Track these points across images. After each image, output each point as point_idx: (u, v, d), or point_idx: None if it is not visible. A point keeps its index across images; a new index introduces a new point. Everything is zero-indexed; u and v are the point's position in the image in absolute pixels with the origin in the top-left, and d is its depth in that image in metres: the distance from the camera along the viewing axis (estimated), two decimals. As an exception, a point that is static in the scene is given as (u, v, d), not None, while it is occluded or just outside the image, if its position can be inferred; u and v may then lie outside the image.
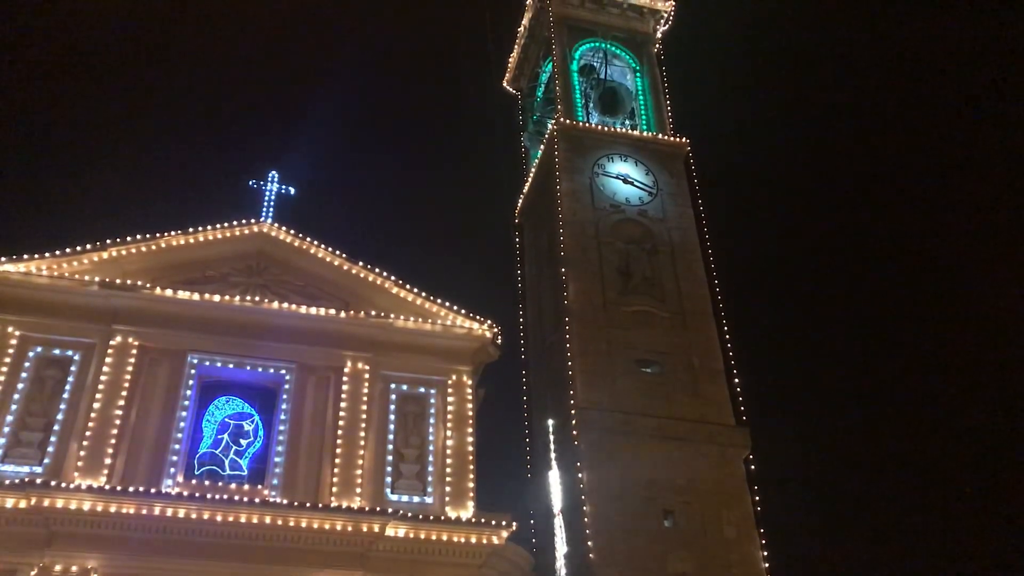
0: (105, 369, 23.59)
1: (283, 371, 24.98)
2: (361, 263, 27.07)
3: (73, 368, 23.80)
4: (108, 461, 22.31)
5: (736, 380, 31.62)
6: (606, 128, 38.66)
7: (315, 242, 27.12)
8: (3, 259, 24.16)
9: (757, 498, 28.92)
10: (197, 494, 22.06)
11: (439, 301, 26.74)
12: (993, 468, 54.53)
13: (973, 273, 67.86)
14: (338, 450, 23.90)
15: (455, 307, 26.65)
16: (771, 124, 78.93)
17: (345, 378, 25.06)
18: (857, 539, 50.61)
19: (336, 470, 23.59)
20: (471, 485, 24.30)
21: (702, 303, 33.46)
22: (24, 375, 23.35)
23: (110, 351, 23.87)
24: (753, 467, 29.65)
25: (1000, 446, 54.12)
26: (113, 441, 22.62)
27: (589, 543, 26.53)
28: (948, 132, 76.08)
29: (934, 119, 77.48)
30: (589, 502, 27.29)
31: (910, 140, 77.08)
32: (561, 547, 25.34)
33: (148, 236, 25.81)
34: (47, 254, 24.66)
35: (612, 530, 26.94)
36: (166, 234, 26.01)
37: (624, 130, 38.90)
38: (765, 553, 27.89)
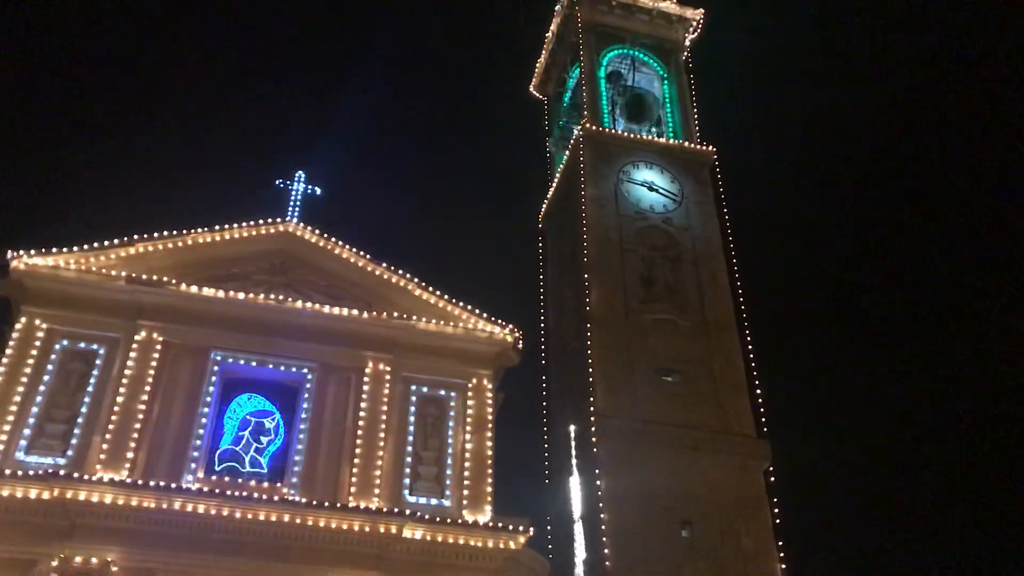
0: (129, 364, 23.79)
1: (305, 370, 25.09)
2: (384, 264, 27.16)
3: (98, 362, 24.01)
4: (130, 455, 22.49)
5: (758, 391, 31.41)
6: (632, 135, 38.57)
7: (339, 242, 27.23)
8: (32, 252, 24.43)
9: (776, 511, 28.67)
10: (217, 490, 22.15)
11: (461, 304, 26.76)
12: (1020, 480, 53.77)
13: (1001, 285, 67.12)
14: (357, 450, 23.96)
15: (477, 310, 26.66)
16: (798, 134, 78.56)
17: (366, 378, 25.11)
18: (878, 555, 50.11)
19: (355, 470, 23.64)
20: (489, 489, 24.25)
21: (725, 313, 33.26)
22: (50, 367, 23.58)
23: (135, 346, 24.07)
24: (773, 479, 29.42)
25: None
26: (135, 435, 22.80)
27: (606, 551, 26.42)
28: (982, 142, 75.21)
29: (969, 127, 76.62)
30: (607, 509, 27.16)
31: (942, 152, 76.34)
32: (580, 553, 25.28)
33: (175, 233, 26.00)
34: (75, 248, 24.90)
35: (629, 538, 26.80)
36: (193, 231, 26.21)
37: (650, 137, 38.79)
38: (783, 567, 27.64)
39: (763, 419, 30.80)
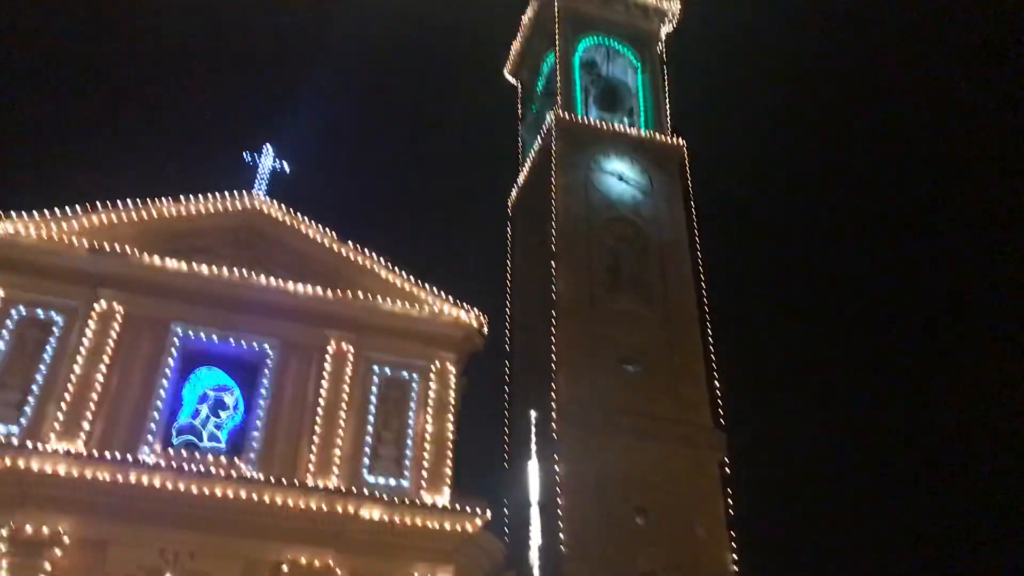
0: (88, 333, 23.49)
1: (267, 346, 24.93)
2: (351, 243, 27.03)
3: (56, 330, 23.66)
4: (86, 426, 22.24)
5: (717, 383, 31.82)
6: (604, 124, 38.65)
7: (306, 219, 27.04)
8: (-9, 217, 23.98)
9: (730, 500, 29.14)
10: (174, 464, 22.01)
11: (427, 287, 26.72)
12: (979, 474, 54.87)
13: (966, 278, 68.33)
14: (317, 429, 23.90)
15: (443, 294, 26.65)
16: (769, 131, 79.07)
17: (328, 357, 25.02)
18: (828, 546, 51.04)
19: (314, 448, 23.58)
20: (448, 472, 24.32)
21: (687, 305, 33.61)
22: (6, 335, 23.21)
23: (94, 316, 23.76)
24: (728, 470, 29.85)
25: (986, 452, 54.46)
26: (92, 406, 22.55)
27: (561, 535, 26.67)
28: (952, 139, 76.20)
29: (938, 126, 77.49)
30: (564, 495, 27.42)
31: (908, 149, 77.23)
32: (536, 538, 25.46)
33: (139, 202, 25.64)
34: (36, 215, 24.47)
35: (585, 524, 27.10)
36: (157, 201, 25.85)
37: (622, 128, 38.90)
38: (735, 556, 28.10)
39: (720, 411, 31.27)
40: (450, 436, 24.93)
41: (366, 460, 24.17)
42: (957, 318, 67.57)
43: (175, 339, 24.36)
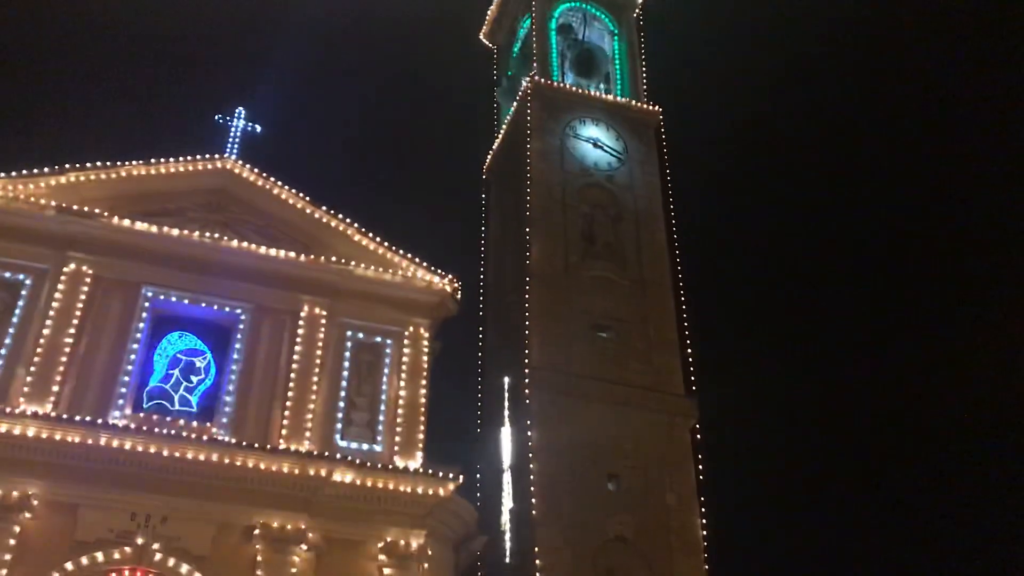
0: (57, 296, 23.26)
1: (239, 310, 24.83)
2: (324, 208, 26.88)
3: (24, 293, 23.42)
4: (55, 389, 22.10)
5: (689, 351, 32.06)
6: (580, 90, 38.43)
7: (279, 182, 26.83)
8: (-44, 176, 23.57)
9: (700, 467, 29.51)
10: (144, 427, 21.94)
11: (401, 252, 26.69)
12: (957, 440, 55.73)
13: (941, 256, 68.97)
14: (290, 393, 23.89)
15: (417, 259, 26.63)
16: (745, 101, 78.98)
17: (301, 322, 24.96)
18: (794, 513, 51.91)
19: (287, 413, 23.59)
20: (421, 436, 24.43)
21: (661, 272, 33.71)
22: (-28, 297, 22.94)
23: (63, 278, 23.53)
24: (699, 437, 30.19)
25: (964, 418, 55.28)
26: (61, 369, 22.40)
27: (533, 500, 26.91)
28: (927, 115, 76.44)
29: (926, 90, 77.57)
30: (536, 460, 27.62)
31: (890, 115, 77.37)
32: (508, 503, 25.74)
33: (109, 164, 25.33)
34: (2, 174, 24.09)
35: (556, 489, 27.33)
36: (127, 163, 25.56)
37: (598, 94, 38.70)
38: (704, 521, 28.53)
39: (692, 378, 31.53)
40: (423, 401, 25.03)
41: (339, 425, 24.23)
42: (932, 282, 68.43)
43: (145, 302, 24.19)
